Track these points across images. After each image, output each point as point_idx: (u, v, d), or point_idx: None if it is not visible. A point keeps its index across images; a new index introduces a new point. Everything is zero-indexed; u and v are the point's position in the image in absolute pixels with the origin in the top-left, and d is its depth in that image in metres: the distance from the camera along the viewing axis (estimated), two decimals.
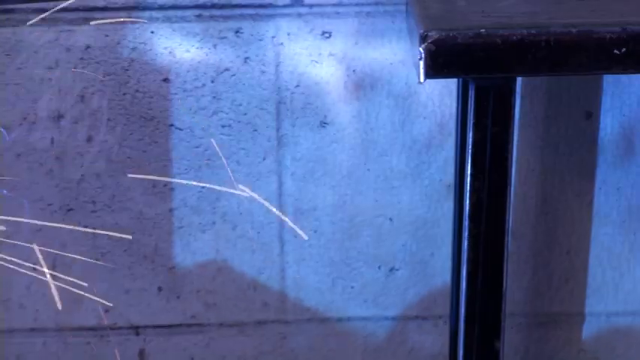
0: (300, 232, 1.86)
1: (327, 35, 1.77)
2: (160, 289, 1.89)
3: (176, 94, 1.79)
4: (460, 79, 1.64)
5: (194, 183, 1.86)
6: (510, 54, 1.36)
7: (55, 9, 1.64)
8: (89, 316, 1.91)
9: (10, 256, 1.82)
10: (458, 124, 1.71)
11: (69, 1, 1.70)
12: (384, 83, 1.79)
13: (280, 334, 1.94)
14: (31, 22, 1.72)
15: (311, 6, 1.75)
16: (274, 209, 1.85)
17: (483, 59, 1.38)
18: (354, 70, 1.77)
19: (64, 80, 1.78)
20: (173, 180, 1.86)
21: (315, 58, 1.78)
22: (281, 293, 1.91)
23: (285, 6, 1.76)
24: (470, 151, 1.54)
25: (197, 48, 1.77)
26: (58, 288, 1.80)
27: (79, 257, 1.83)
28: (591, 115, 1.82)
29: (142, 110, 1.80)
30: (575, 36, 1.32)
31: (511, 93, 1.49)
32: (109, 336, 1.92)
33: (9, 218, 1.75)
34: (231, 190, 1.76)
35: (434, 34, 1.35)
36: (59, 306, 1.68)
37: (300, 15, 1.76)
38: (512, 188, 1.52)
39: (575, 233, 1.90)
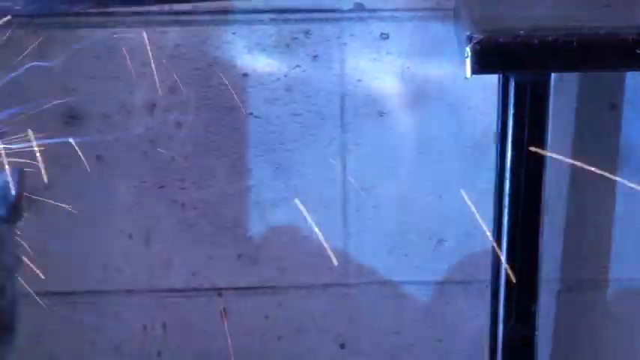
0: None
1: (385, 36, 1.94)
2: (239, 255, 2.05)
3: (254, 86, 1.97)
4: (501, 75, 1.74)
5: None
6: (545, 53, 1.52)
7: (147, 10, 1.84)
8: (178, 279, 2.07)
9: (110, 227, 2.01)
10: (499, 114, 1.80)
11: (161, 6, 1.91)
12: (435, 78, 1.95)
13: (344, 295, 2.09)
14: (128, 23, 1.92)
15: (371, 11, 1.93)
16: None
17: (522, 57, 1.55)
18: (408, 67, 1.95)
19: (157, 74, 1.88)
20: None
21: (375, 56, 1.95)
22: (344, 260, 2.05)
23: (349, 11, 1.93)
24: (510, 138, 1.71)
25: (272, 47, 1.95)
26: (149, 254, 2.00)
27: (169, 228, 2.03)
28: (615, 106, 1.98)
29: (225, 101, 1.97)
30: (602, 37, 1.49)
31: (546, 87, 1.67)
32: (195, 296, 2.08)
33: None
34: None
35: (479, 36, 1.53)
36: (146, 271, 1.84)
37: (361, 19, 1.94)
38: (546, 169, 1.71)
39: (601, 209, 2.05)
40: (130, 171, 1.98)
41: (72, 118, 1.95)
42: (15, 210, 1.12)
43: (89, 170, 1.70)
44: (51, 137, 1.78)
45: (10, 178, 1.11)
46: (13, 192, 1.10)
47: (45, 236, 1.79)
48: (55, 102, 1.79)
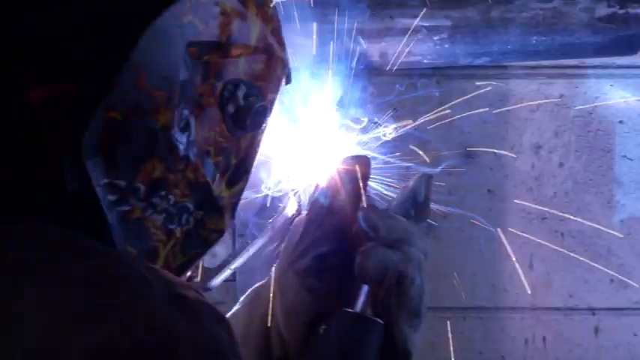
0: None
1: None
2: (611, 280, 2.19)
3: (628, 132, 2.15)
4: None
5: None
6: None
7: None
8: (557, 298, 2.23)
9: (498, 251, 2.21)
10: None
11: (550, 60, 2.10)
12: None
13: None
14: (519, 75, 2.16)
15: None
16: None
17: None
18: None
19: (542, 120, 2.17)
20: None
21: None
22: None
23: None
24: None
25: None
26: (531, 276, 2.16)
27: (550, 254, 2.21)
28: None
29: (602, 144, 2.16)
30: None
31: None
32: (572, 315, 2.24)
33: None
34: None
35: None
36: (528, 291, 2.04)
37: None
38: None
39: None
40: (517, 203, 2.16)
41: (467, 157, 2.17)
42: (423, 211, 1.16)
43: (481, 201, 1.98)
44: (449, 172, 2.03)
45: (419, 184, 1.16)
46: (422, 195, 1.15)
47: (441, 257, 2.11)
48: (454, 142, 2.08)
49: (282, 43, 1.03)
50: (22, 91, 0.83)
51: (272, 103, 1.02)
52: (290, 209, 1.24)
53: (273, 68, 1.02)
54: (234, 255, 1.24)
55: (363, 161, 1.13)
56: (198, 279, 1.17)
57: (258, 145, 1.03)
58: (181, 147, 0.90)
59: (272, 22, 1.01)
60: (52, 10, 0.84)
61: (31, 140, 0.84)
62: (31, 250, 0.76)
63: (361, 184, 1.12)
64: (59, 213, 0.84)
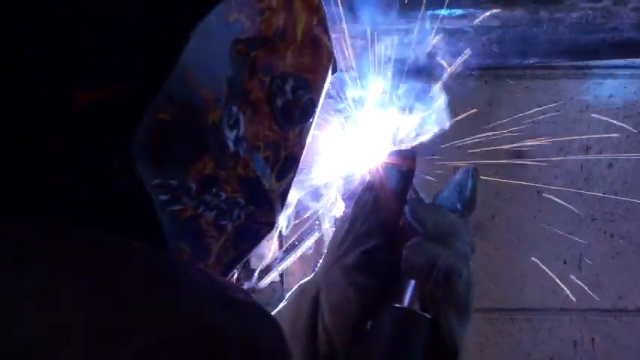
0: None
1: None
2: None
3: None
4: None
5: None
6: None
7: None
8: (606, 300, 2.21)
9: (547, 253, 2.21)
10: None
11: (599, 61, 2.09)
12: None
13: None
14: (569, 75, 2.15)
15: None
16: None
17: None
18: None
19: (591, 120, 2.14)
20: None
21: None
22: None
23: None
24: None
25: None
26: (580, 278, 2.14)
27: (599, 255, 2.21)
28: None
29: None
30: None
31: None
32: (621, 317, 2.22)
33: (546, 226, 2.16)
34: None
35: None
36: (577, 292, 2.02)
37: None
38: None
39: None
40: (566, 205, 2.13)
41: (516, 157, 2.11)
42: (469, 204, 1.15)
43: (530, 202, 1.95)
44: (498, 172, 2.02)
45: (466, 177, 1.15)
46: (468, 189, 1.14)
47: (490, 259, 2.10)
48: (503, 143, 2.00)
49: (327, 35, 1.03)
50: (70, 95, 0.82)
51: (320, 94, 1.02)
52: (336, 210, 1.24)
53: (319, 60, 1.01)
54: (280, 257, 1.26)
55: (408, 155, 1.12)
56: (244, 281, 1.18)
57: (306, 137, 1.03)
58: (231, 144, 0.90)
59: (317, 13, 1.01)
60: (102, 10, 0.85)
61: (63, 143, 0.83)
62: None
63: (406, 179, 1.11)
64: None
